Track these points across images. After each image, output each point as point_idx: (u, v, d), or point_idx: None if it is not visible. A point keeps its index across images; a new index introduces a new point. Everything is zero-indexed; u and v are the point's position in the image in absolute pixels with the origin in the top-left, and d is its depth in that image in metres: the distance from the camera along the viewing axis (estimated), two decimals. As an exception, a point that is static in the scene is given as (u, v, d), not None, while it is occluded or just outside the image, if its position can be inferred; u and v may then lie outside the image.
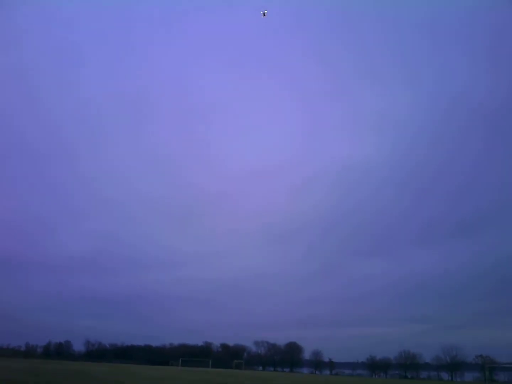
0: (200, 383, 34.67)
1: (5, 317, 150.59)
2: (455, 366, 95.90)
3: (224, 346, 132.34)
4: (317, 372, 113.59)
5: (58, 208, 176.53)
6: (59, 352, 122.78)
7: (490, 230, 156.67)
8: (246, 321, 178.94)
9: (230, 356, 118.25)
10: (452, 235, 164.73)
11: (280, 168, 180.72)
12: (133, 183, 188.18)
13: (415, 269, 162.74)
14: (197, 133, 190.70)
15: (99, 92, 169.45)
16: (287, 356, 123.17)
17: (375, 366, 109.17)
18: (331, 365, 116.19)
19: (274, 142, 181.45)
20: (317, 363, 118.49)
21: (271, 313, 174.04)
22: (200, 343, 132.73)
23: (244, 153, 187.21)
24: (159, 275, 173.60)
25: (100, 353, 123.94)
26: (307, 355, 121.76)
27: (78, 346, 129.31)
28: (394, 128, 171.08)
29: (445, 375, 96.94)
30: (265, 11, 45.60)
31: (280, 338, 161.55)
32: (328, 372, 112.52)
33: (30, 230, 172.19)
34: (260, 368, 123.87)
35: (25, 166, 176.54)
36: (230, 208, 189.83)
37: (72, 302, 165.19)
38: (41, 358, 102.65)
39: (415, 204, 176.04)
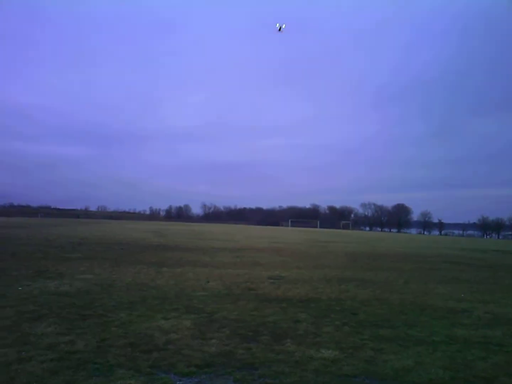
0: (309, 242, 37.41)
1: (130, 186, 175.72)
2: None
3: (331, 208, 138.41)
4: (425, 233, 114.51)
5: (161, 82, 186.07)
6: (179, 214, 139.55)
7: None
8: (353, 185, 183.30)
9: (337, 217, 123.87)
10: None
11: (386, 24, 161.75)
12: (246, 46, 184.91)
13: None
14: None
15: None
16: (394, 217, 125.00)
17: (487, 226, 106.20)
18: (441, 225, 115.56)
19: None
20: (426, 224, 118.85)
21: (377, 177, 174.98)
22: (307, 205, 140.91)
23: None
24: (270, 142, 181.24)
25: (215, 215, 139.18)
26: (415, 216, 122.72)
27: (196, 209, 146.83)
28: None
29: None
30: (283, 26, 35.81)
31: (387, 200, 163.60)
32: (437, 232, 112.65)
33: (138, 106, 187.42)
34: (367, 228, 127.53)
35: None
36: (339, 70, 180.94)
37: (189, 170, 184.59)
38: (163, 221, 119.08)
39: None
